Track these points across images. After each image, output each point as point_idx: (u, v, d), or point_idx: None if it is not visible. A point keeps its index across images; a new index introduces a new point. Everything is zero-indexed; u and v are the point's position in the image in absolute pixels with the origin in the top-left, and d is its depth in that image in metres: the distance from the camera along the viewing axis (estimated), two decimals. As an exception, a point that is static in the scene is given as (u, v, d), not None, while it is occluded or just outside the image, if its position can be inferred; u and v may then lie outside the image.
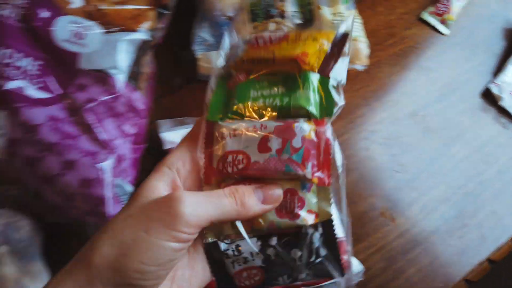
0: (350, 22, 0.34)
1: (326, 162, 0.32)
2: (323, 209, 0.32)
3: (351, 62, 0.61)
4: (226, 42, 0.36)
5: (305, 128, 0.32)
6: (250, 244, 0.32)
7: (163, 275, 0.28)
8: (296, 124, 0.32)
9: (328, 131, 0.32)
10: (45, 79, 0.46)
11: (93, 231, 0.46)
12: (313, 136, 0.32)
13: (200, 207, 0.28)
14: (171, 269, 0.29)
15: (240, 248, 0.32)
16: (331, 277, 0.32)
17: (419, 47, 0.73)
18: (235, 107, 0.33)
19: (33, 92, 0.45)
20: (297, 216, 0.31)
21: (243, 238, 0.32)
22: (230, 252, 0.32)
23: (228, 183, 0.32)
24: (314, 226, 0.31)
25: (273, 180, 0.32)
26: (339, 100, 0.33)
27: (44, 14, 0.46)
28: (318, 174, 0.32)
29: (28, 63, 0.45)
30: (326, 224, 0.32)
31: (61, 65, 0.47)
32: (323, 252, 0.32)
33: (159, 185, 0.31)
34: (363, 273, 0.50)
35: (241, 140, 0.32)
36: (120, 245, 0.28)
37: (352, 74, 0.67)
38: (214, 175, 0.33)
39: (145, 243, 0.27)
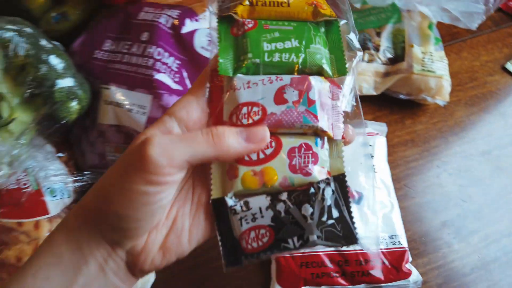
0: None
1: (339, 118, 0.32)
2: (336, 165, 0.31)
3: (433, 96, 0.68)
4: None
5: (321, 82, 0.32)
6: (259, 198, 0.31)
7: (144, 218, 0.28)
8: (311, 77, 0.32)
9: (343, 89, 0.33)
10: (181, 75, 0.58)
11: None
12: (328, 92, 0.32)
13: (172, 147, 0.28)
14: (155, 214, 0.29)
15: (248, 203, 0.31)
16: (342, 243, 0.30)
17: (499, 93, 0.77)
18: (248, 61, 0.32)
19: (172, 83, 0.56)
20: (310, 172, 0.31)
21: (252, 195, 0.31)
22: (238, 207, 0.31)
23: None
24: (326, 180, 0.31)
25: (288, 134, 0.31)
26: (357, 46, 0.34)
27: (189, 25, 0.58)
28: (331, 127, 0.32)
29: (171, 61, 0.57)
30: (339, 179, 0.31)
31: (194, 66, 0.58)
32: (335, 213, 0.30)
33: (152, 134, 0.30)
34: (421, 282, 0.56)
35: (257, 91, 0.31)
36: (100, 190, 0.30)
37: (432, 108, 0.73)
38: None
39: (119, 187, 0.28)
